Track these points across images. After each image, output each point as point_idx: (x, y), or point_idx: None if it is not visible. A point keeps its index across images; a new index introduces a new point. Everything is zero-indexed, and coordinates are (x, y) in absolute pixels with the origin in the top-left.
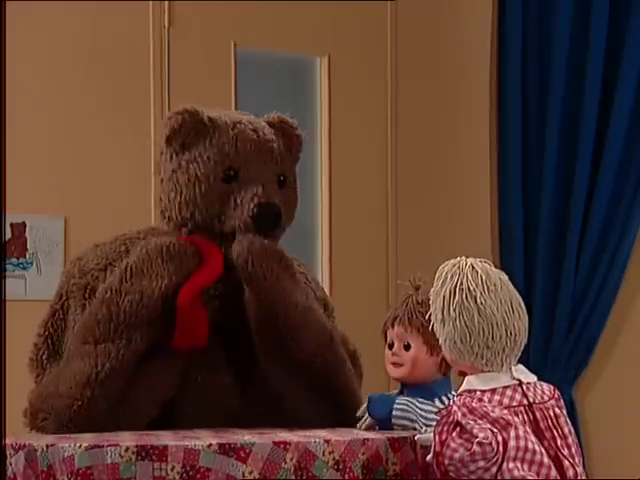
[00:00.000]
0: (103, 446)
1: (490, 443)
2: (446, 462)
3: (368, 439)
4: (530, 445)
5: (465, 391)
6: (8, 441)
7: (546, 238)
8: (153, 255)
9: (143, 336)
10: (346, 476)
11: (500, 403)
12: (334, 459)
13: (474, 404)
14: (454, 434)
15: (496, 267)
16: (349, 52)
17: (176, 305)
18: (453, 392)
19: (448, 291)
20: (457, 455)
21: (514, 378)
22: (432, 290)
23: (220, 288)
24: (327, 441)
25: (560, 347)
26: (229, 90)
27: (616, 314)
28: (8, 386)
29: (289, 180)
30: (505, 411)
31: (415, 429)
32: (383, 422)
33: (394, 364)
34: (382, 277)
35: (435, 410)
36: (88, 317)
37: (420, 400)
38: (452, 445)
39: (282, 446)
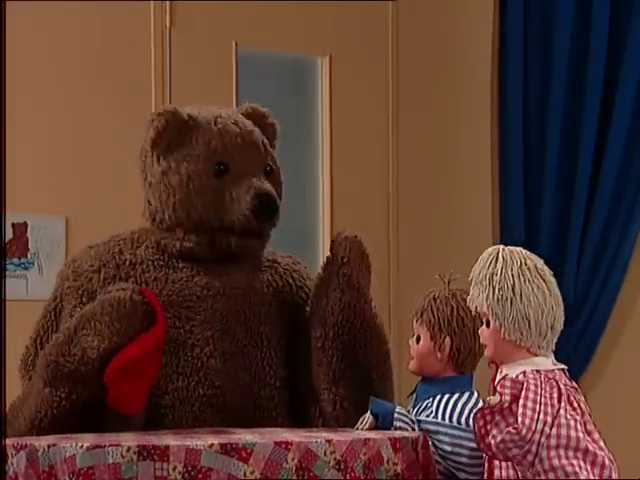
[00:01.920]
0: (105, 446)
1: (519, 432)
2: (491, 447)
3: (369, 439)
4: (573, 433)
5: (522, 373)
6: (9, 441)
7: (547, 238)
8: (105, 309)
9: (83, 391)
10: (347, 476)
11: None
12: (335, 459)
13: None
14: (498, 418)
15: None
16: (350, 52)
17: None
18: (474, 390)
19: (515, 270)
20: (493, 442)
21: (555, 364)
22: (482, 273)
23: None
24: (329, 441)
25: (561, 347)
26: (230, 90)
27: (617, 314)
28: (8, 386)
29: (274, 170)
30: (562, 398)
31: (414, 430)
32: (384, 422)
33: (410, 355)
34: (383, 277)
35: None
36: (44, 353)
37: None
38: (493, 431)
39: (283, 446)
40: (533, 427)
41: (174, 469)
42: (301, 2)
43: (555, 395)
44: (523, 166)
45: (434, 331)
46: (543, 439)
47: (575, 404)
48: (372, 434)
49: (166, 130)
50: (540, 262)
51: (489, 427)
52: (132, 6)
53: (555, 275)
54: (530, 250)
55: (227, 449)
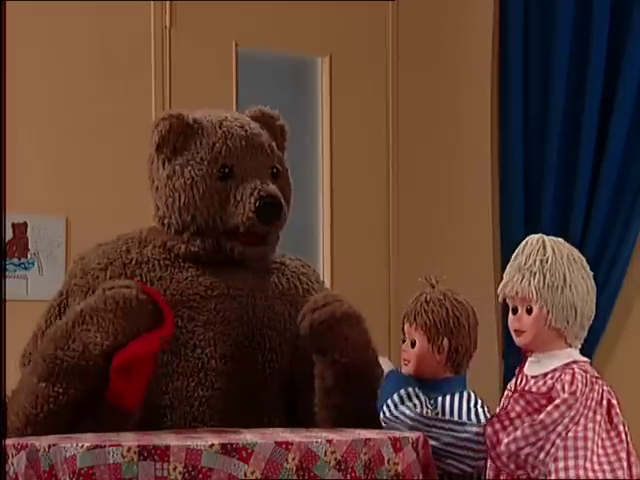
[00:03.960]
0: (105, 446)
1: (541, 421)
2: (502, 454)
3: (370, 439)
4: (589, 444)
5: (570, 363)
6: (10, 441)
7: None
8: (109, 306)
9: (82, 385)
10: (348, 476)
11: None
12: (336, 459)
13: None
14: (509, 428)
15: (497, 269)
16: (350, 52)
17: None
18: (467, 391)
19: (565, 259)
20: (504, 446)
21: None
22: (532, 259)
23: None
24: (329, 441)
25: None
26: (230, 90)
27: (617, 314)
28: (8, 387)
29: (281, 171)
30: (592, 403)
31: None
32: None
33: (404, 360)
34: (384, 276)
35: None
36: (41, 349)
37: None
38: (505, 439)
39: (284, 446)
40: (551, 427)
41: (174, 469)
42: (301, 2)
43: (590, 402)
44: (523, 166)
45: (431, 333)
46: (559, 441)
47: (604, 402)
48: (372, 434)
49: (170, 134)
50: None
51: (501, 435)
52: (132, 6)
53: None
54: None
55: (227, 449)
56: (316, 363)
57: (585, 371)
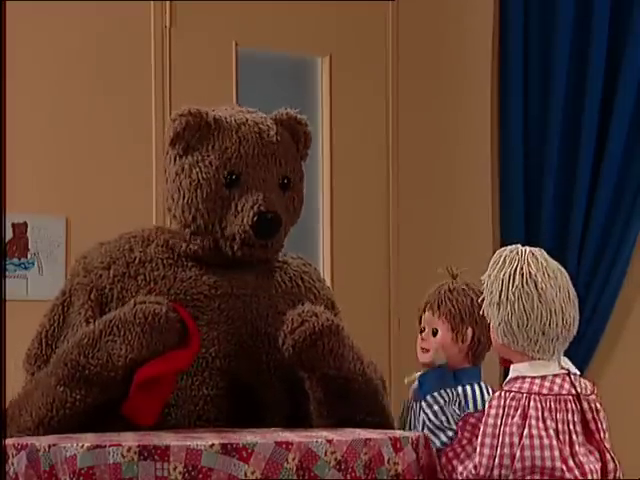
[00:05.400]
0: (105, 446)
1: (477, 473)
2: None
3: (370, 439)
4: (537, 453)
5: (514, 378)
6: (10, 441)
7: (547, 238)
8: (137, 320)
9: (101, 395)
10: (348, 476)
11: (550, 390)
12: (336, 459)
13: (513, 401)
14: (462, 455)
15: None
16: (350, 52)
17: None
18: (482, 383)
19: (507, 274)
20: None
21: (562, 367)
22: (486, 274)
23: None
24: (329, 441)
25: None
26: (230, 90)
27: (617, 314)
28: (8, 387)
29: (294, 181)
30: (528, 416)
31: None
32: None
33: (422, 349)
34: (383, 275)
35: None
36: (63, 352)
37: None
38: (459, 468)
39: (284, 446)
40: (491, 464)
41: (175, 469)
42: (301, 2)
43: (518, 418)
44: (523, 166)
45: (455, 322)
46: (504, 471)
47: (553, 415)
48: (373, 434)
49: (185, 132)
50: (537, 269)
51: (454, 463)
52: (132, 6)
53: None
54: None
55: (227, 449)
56: (305, 379)
57: (507, 390)
